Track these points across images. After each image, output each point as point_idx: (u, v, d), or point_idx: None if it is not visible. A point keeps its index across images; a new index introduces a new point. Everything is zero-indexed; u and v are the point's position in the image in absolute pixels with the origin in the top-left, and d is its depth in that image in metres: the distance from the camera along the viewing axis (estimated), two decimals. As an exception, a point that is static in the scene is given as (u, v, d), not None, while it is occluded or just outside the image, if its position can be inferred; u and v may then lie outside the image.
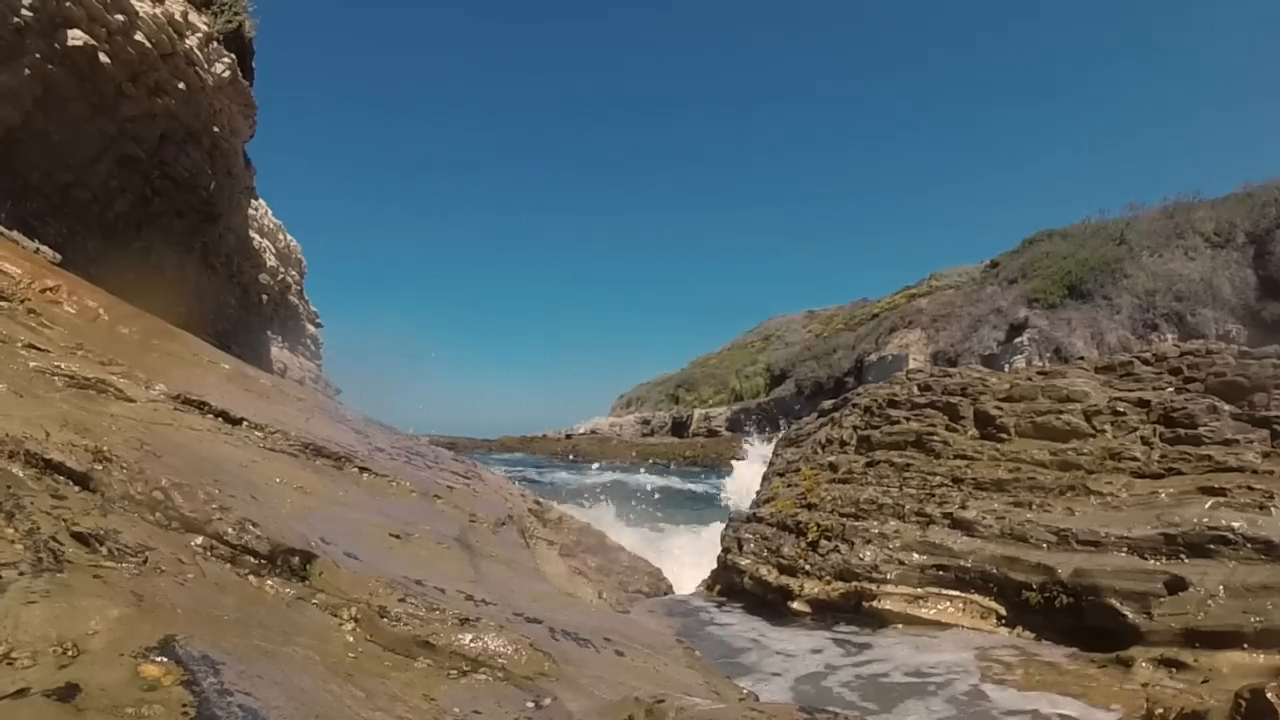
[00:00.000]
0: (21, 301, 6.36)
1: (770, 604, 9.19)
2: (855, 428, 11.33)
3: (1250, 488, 7.49)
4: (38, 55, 9.90)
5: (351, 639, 3.06)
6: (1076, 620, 7.19)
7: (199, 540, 3.28)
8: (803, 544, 9.42)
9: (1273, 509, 7.13)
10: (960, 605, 8.11)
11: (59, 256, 8.95)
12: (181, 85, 12.43)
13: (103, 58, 10.66)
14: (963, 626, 7.86)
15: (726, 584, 10.33)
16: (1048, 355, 35.87)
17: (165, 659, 2.26)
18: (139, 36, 11.16)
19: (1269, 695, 3.64)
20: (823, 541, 9.23)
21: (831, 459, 10.97)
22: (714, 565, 10.94)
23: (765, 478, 12.45)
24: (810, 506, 9.96)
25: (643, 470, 36.78)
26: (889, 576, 8.50)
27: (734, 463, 25.77)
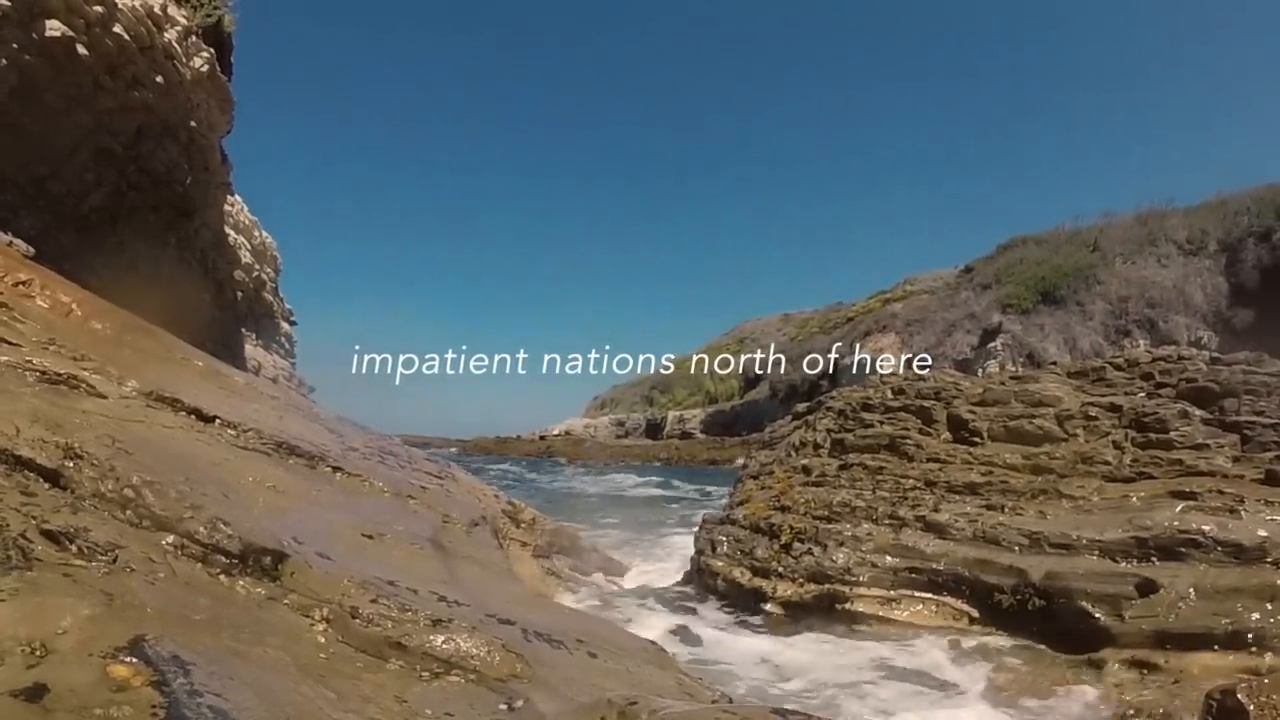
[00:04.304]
0: (-7, 296, 6.28)
1: (744, 606, 9.20)
2: (829, 430, 11.38)
3: (1221, 491, 7.59)
4: (15, 45, 9.76)
5: (323, 640, 3.05)
6: (1049, 622, 7.25)
7: (170, 539, 3.25)
8: (776, 546, 9.45)
9: (1243, 513, 7.22)
10: (933, 607, 8.15)
11: (32, 250, 8.83)
12: (159, 79, 12.30)
13: (81, 49, 10.53)
14: (936, 628, 7.90)
15: (700, 585, 10.33)
16: (1021, 360, 36.18)
17: (135, 659, 2.24)
18: (118, 29, 11.04)
19: (1240, 696, 3.67)
20: (796, 544, 9.27)
21: (805, 462, 11.02)
22: (688, 567, 10.95)
23: (739, 480, 12.47)
24: (783, 509, 9.99)
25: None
26: (862, 579, 8.54)
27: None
